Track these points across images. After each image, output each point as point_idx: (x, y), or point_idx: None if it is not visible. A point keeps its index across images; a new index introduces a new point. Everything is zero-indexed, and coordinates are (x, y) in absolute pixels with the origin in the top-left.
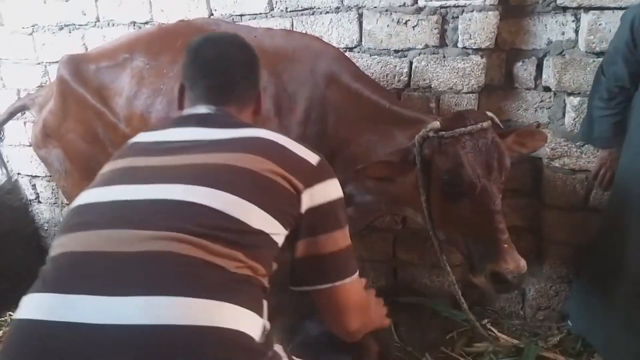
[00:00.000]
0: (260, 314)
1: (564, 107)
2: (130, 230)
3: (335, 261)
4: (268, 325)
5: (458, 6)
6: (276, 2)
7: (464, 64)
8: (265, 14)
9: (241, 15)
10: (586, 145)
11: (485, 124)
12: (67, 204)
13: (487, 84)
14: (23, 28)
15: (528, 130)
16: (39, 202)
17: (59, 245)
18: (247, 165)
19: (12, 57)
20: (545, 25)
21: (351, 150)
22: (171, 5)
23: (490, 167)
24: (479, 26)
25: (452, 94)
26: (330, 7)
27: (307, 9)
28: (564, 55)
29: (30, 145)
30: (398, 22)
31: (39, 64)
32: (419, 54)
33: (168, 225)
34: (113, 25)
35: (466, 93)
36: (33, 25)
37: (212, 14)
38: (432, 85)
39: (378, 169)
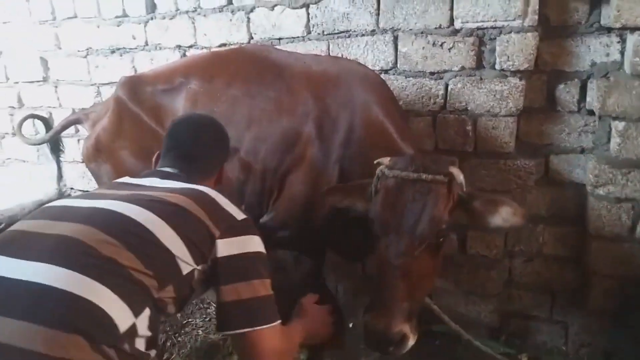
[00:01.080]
0: (136, 315)
1: (609, 131)
2: (66, 222)
3: (253, 306)
4: (145, 332)
5: (495, 28)
6: (313, 25)
7: (501, 86)
8: (303, 37)
9: (279, 39)
10: (633, 173)
11: (428, 177)
12: None
13: (528, 106)
14: (78, 51)
15: (500, 200)
16: None
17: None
18: (176, 201)
19: (68, 78)
20: (589, 46)
21: None
22: (213, 30)
23: (407, 217)
24: (517, 48)
25: (489, 117)
26: (366, 29)
27: (343, 32)
28: (609, 77)
29: (82, 162)
30: (434, 44)
31: (92, 85)
32: (455, 76)
33: (83, 220)
34: (160, 48)
35: (504, 116)
36: (87, 49)
37: (252, 38)
38: (469, 108)
39: (336, 196)
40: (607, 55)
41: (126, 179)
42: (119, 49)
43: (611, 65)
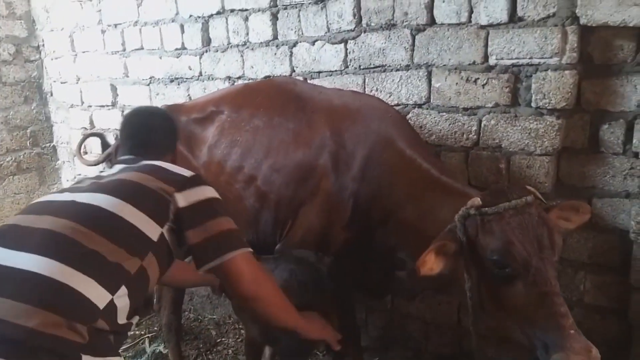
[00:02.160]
0: (112, 292)
1: None
2: (49, 216)
3: (224, 238)
4: (125, 305)
5: (531, 65)
6: (350, 60)
7: (537, 124)
8: (340, 71)
9: (319, 72)
10: None
11: (529, 198)
12: None
13: (569, 146)
14: (142, 80)
15: (570, 204)
16: None
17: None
18: (130, 179)
19: (133, 104)
20: (635, 86)
21: (403, 217)
22: (259, 62)
23: (542, 245)
24: (553, 86)
25: (523, 156)
26: (400, 64)
27: (378, 66)
28: None
29: None
30: (467, 80)
31: None
32: (489, 113)
33: (71, 216)
34: (212, 79)
35: (539, 155)
36: (150, 77)
37: (294, 71)
38: (502, 145)
39: (429, 265)
40: None
41: (97, 172)
42: (177, 78)
43: None
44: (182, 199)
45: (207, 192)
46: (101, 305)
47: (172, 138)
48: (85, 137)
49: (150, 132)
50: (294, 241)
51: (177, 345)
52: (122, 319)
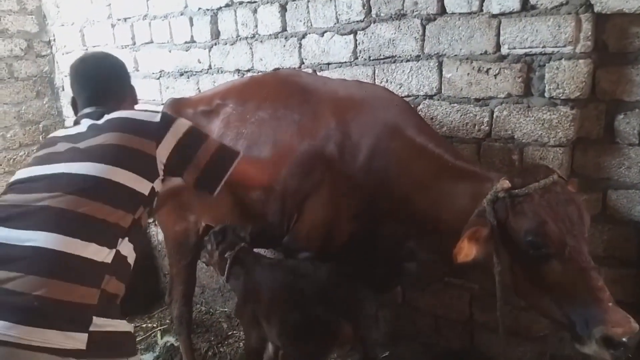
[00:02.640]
0: (112, 247)
1: None
2: (45, 193)
3: (216, 160)
4: (129, 248)
5: (545, 54)
6: (360, 51)
7: (550, 115)
8: (350, 62)
9: (328, 64)
10: None
11: (555, 177)
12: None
13: (583, 137)
14: (152, 73)
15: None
16: (155, 225)
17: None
18: (109, 142)
19: (143, 98)
20: None
21: (415, 206)
22: (269, 55)
23: (573, 222)
24: (567, 75)
25: (536, 147)
26: (410, 55)
27: (388, 57)
28: None
29: None
30: (479, 70)
31: (163, 104)
32: (501, 103)
33: (59, 188)
34: (221, 72)
35: (552, 146)
36: (160, 71)
37: (303, 63)
38: (515, 137)
39: (465, 251)
40: None
41: (59, 132)
42: (186, 72)
43: None
44: (164, 150)
45: (180, 127)
46: (107, 260)
47: (127, 80)
48: None
49: (105, 81)
50: (300, 234)
51: (188, 338)
52: (131, 256)
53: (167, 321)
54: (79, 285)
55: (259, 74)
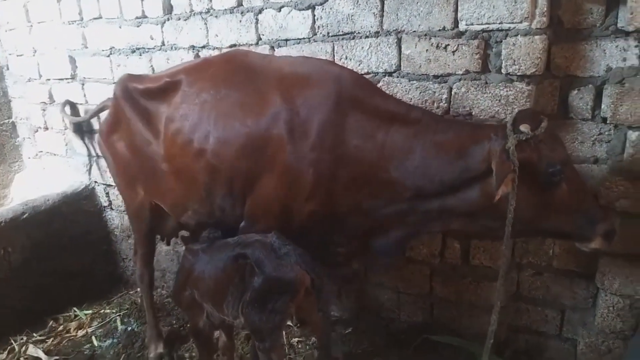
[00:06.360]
0: None
1: (624, 141)
2: None
3: None
4: None
5: (501, 30)
6: (319, 27)
7: (507, 91)
8: (308, 38)
9: (286, 40)
10: None
11: (546, 118)
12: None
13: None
14: (102, 50)
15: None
16: (111, 209)
17: None
18: None
19: (93, 76)
20: (604, 50)
21: (395, 174)
22: (224, 31)
23: (567, 151)
24: (523, 51)
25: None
26: (369, 31)
27: (347, 33)
28: (624, 83)
29: None
30: (437, 46)
31: (114, 83)
32: (459, 80)
33: None
34: (175, 49)
35: None
36: (110, 48)
37: (260, 39)
38: (473, 113)
39: (503, 191)
40: (624, 60)
41: None
42: (138, 48)
43: (628, 71)
44: None
45: None
46: None
47: None
48: (67, 102)
49: None
50: (255, 217)
51: (150, 296)
52: None
53: (127, 306)
54: None
55: (214, 52)
